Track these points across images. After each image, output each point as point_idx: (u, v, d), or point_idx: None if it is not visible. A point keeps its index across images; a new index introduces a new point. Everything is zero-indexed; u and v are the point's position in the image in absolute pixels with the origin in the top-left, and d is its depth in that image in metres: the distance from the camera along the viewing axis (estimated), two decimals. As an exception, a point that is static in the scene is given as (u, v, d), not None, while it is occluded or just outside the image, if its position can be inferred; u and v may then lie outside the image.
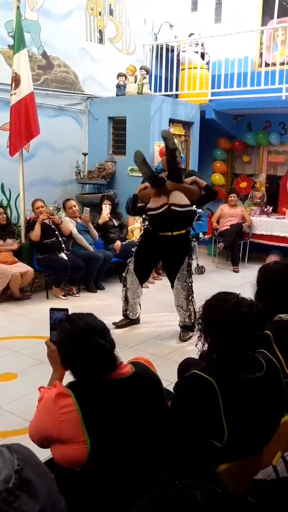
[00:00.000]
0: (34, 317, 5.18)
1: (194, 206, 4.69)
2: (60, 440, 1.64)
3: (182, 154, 4.90)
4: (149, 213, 4.58)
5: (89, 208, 6.59)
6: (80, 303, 5.64)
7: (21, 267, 5.75)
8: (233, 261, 7.81)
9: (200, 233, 7.38)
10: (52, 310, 2.07)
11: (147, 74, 7.56)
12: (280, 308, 2.41)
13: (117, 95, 7.67)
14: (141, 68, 7.62)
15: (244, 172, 9.01)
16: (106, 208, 6.73)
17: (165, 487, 0.79)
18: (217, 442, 1.72)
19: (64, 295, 6.00)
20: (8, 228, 6.03)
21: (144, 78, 7.48)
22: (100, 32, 7.95)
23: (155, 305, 5.62)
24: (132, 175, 7.33)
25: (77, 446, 1.61)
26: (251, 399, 1.78)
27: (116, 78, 7.66)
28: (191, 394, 1.80)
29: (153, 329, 5.02)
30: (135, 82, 7.56)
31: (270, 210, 8.30)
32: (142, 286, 4.95)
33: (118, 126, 7.61)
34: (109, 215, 6.74)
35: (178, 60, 8.51)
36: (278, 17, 7.88)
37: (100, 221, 6.72)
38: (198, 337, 1.91)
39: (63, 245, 6.04)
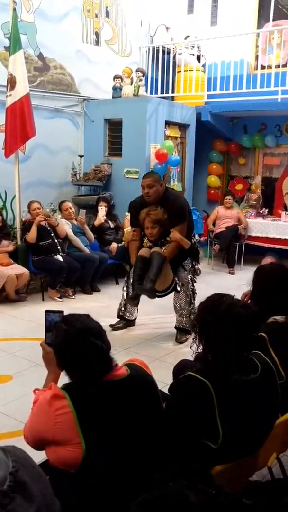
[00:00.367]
0: (29, 319, 5.17)
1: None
2: (55, 442, 1.64)
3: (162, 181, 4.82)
4: (160, 293, 4.68)
5: (85, 210, 6.58)
6: (75, 305, 5.63)
7: (17, 269, 5.74)
8: (229, 263, 7.82)
9: (196, 235, 7.38)
10: (47, 312, 2.07)
11: (143, 76, 7.57)
12: (276, 309, 2.42)
13: (113, 97, 7.68)
14: (137, 70, 7.63)
15: (240, 174, 9.04)
16: (102, 210, 6.73)
17: (159, 488, 0.79)
18: (212, 444, 1.72)
19: (59, 297, 5.99)
20: (4, 230, 6.03)
21: (140, 80, 7.49)
22: (97, 34, 7.96)
23: (151, 307, 5.61)
24: (128, 177, 7.34)
25: (72, 448, 1.61)
26: (246, 400, 1.79)
27: (112, 80, 7.66)
28: (186, 396, 1.80)
29: (149, 331, 5.02)
30: (131, 84, 7.57)
31: (266, 212, 8.32)
32: None
33: (114, 128, 7.62)
34: (105, 217, 6.74)
35: (174, 62, 8.52)
36: (273, 20, 7.90)
37: (96, 223, 6.72)
38: (193, 338, 1.91)
39: (58, 247, 6.03)
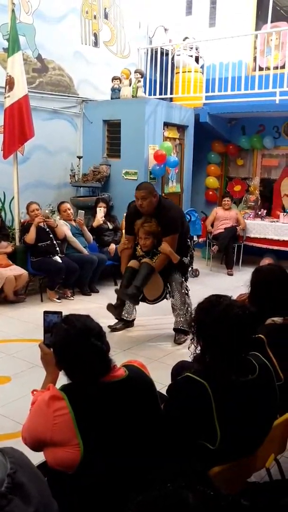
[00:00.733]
0: (28, 320, 5.17)
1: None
2: (53, 443, 1.64)
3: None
4: (151, 302, 4.85)
5: (83, 211, 6.58)
6: (74, 306, 5.63)
7: (16, 270, 5.73)
8: (227, 264, 7.83)
9: (194, 236, 7.39)
10: (46, 313, 2.07)
11: (141, 77, 7.58)
12: (274, 310, 2.42)
13: (111, 98, 7.68)
14: (135, 72, 7.64)
15: (238, 176, 9.05)
16: (100, 211, 6.73)
17: (157, 489, 0.79)
18: (210, 445, 1.72)
19: (58, 298, 5.99)
20: (3, 231, 6.03)
21: (139, 81, 7.50)
22: (95, 35, 7.97)
23: (150, 308, 5.60)
24: (126, 178, 7.34)
25: (70, 449, 1.61)
26: (244, 401, 1.79)
27: (110, 82, 7.67)
28: (184, 397, 1.80)
29: (148, 332, 5.02)
30: (130, 85, 7.57)
31: (264, 214, 8.33)
32: None
33: (113, 129, 7.62)
34: (103, 218, 6.74)
35: (172, 63, 8.53)
36: (272, 22, 7.92)
37: (95, 224, 6.72)
38: (191, 339, 1.91)
39: (57, 248, 6.03)
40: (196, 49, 8.44)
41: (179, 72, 8.37)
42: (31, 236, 5.87)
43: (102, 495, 1.63)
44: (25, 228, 6.05)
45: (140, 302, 4.81)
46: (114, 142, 7.63)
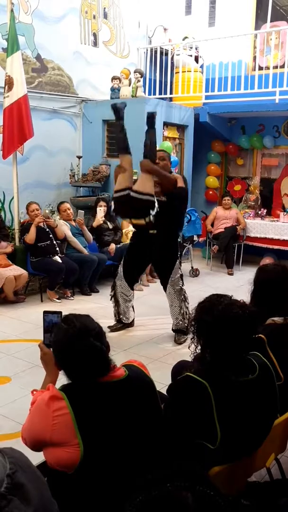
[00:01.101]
0: (28, 320, 5.17)
1: (164, 198, 4.48)
2: (53, 443, 1.64)
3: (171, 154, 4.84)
4: (114, 195, 4.49)
5: (83, 211, 6.58)
6: (74, 306, 5.63)
7: (15, 270, 5.73)
8: (227, 263, 7.82)
9: (194, 236, 7.39)
10: (45, 313, 2.07)
11: (141, 77, 7.58)
12: (276, 310, 2.42)
13: (111, 98, 7.68)
14: (135, 72, 7.64)
15: (238, 175, 9.05)
16: (100, 211, 6.72)
17: (157, 489, 0.78)
18: (210, 445, 1.72)
19: (58, 298, 5.99)
20: (2, 231, 6.03)
21: (138, 81, 7.49)
22: (94, 35, 7.96)
23: (150, 308, 5.62)
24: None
25: (70, 449, 1.60)
26: (244, 401, 1.78)
27: (110, 81, 7.67)
28: (184, 397, 1.80)
29: (148, 332, 5.02)
30: (129, 85, 7.57)
31: (264, 213, 8.33)
32: (132, 289, 4.94)
33: (113, 129, 7.62)
34: (103, 218, 6.74)
35: (172, 63, 8.53)
36: (271, 21, 7.92)
37: (95, 224, 6.72)
38: (191, 339, 1.91)
39: (57, 248, 6.03)
40: (196, 49, 8.44)
41: (178, 72, 8.37)
42: (31, 236, 5.86)
43: (102, 495, 1.62)
44: (24, 228, 6.05)
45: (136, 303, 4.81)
46: (113, 142, 7.62)
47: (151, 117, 4.54)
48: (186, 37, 8.59)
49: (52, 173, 7.36)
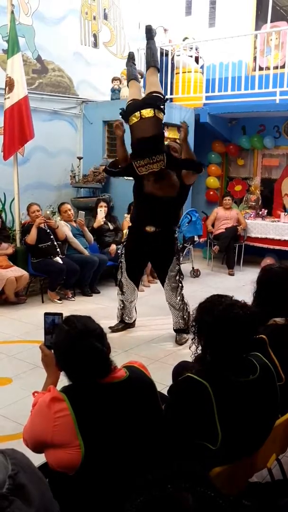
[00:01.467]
0: (29, 321, 5.17)
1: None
2: (54, 444, 1.64)
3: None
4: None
5: (84, 212, 6.58)
6: (75, 307, 5.63)
7: (16, 271, 5.74)
8: (228, 264, 7.82)
9: (195, 236, 7.39)
10: (46, 314, 2.07)
11: (141, 78, 7.58)
12: (278, 310, 2.42)
13: (111, 99, 7.69)
14: (135, 72, 7.64)
15: (239, 176, 9.05)
16: (101, 212, 6.73)
17: (157, 490, 0.78)
18: (211, 445, 1.72)
19: (59, 299, 5.99)
20: (3, 232, 6.03)
21: (139, 82, 7.49)
22: (95, 36, 7.97)
23: (151, 309, 5.62)
24: (127, 179, 7.32)
25: (71, 450, 1.61)
26: (245, 401, 1.78)
27: (110, 82, 7.68)
28: (185, 397, 1.80)
29: (149, 333, 5.02)
30: (130, 86, 7.57)
31: (265, 213, 8.33)
32: (138, 289, 4.95)
33: (113, 130, 7.61)
34: (104, 219, 6.74)
35: (172, 64, 8.53)
36: (271, 21, 7.92)
37: (95, 224, 6.72)
38: (192, 339, 1.91)
39: (58, 249, 6.03)
40: (196, 49, 8.45)
41: (179, 73, 8.38)
42: (32, 237, 5.87)
43: (103, 496, 1.62)
44: (25, 229, 6.06)
45: (137, 303, 4.81)
46: (114, 143, 7.61)
47: (149, 30, 4.90)
48: (186, 38, 8.60)
49: (52, 174, 7.36)
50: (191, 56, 8.29)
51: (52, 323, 2.02)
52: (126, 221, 6.94)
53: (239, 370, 1.81)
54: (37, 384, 2.12)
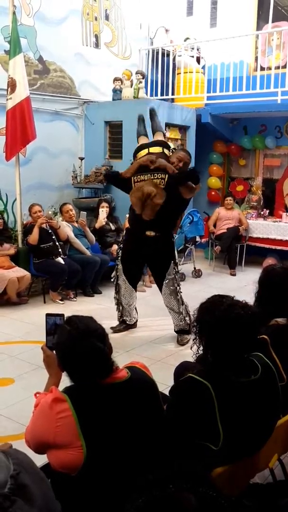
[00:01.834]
0: (30, 321, 5.17)
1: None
2: (56, 445, 1.64)
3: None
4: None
5: (85, 212, 6.59)
6: (77, 308, 5.63)
7: (18, 272, 5.74)
8: (230, 264, 7.82)
9: (197, 236, 7.39)
10: (48, 315, 2.07)
11: (143, 78, 7.59)
12: (280, 311, 2.42)
13: (113, 99, 7.69)
14: (137, 73, 7.65)
15: (241, 176, 9.04)
16: (103, 212, 6.73)
17: (159, 490, 0.79)
18: (212, 446, 1.72)
19: (61, 300, 6.00)
20: (5, 233, 6.03)
21: (140, 82, 7.50)
22: (96, 37, 7.98)
23: (152, 309, 5.62)
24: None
25: (73, 451, 1.61)
26: (247, 402, 1.78)
27: (112, 83, 7.68)
28: (187, 398, 1.80)
29: (150, 333, 5.02)
30: (131, 86, 7.58)
31: (267, 213, 8.33)
32: (136, 290, 4.94)
33: (115, 130, 7.63)
34: (106, 219, 6.75)
35: (174, 64, 8.54)
36: (273, 21, 7.90)
37: (97, 225, 6.72)
38: (194, 340, 1.91)
39: (59, 250, 6.04)
40: (198, 50, 8.45)
41: (180, 73, 8.38)
42: (34, 237, 5.88)
43: (105, 497, 1.63)
44: (27, 230, 6.06)
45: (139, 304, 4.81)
46: (115, 143, 7.64)
47: (151, 113, 5.15)
48: (187, 38, 8.60)
49: (54, 174, 7.37)
50: (193, 57, 8.29)
51: (54, 324, 2.02)
52: (127, 222, 6.95)
53: (241, 370, 1.81)
54: (39, 384, 2.12)
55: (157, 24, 8.91)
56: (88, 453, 1.60)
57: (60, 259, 5.96)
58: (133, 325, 5.07)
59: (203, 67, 8.50)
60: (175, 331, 4.81)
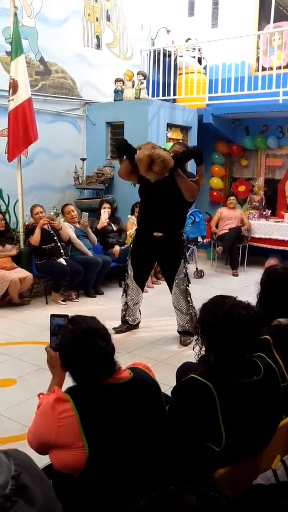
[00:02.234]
0: (32, 322, 5.18)
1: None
2: (58, 445, 1.64)
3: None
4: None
5: (87, 213, 6.59)
6: (79, 308, 5.63)
7: (20, 273, 5.75)
8: (232, 265, 7.81)
9: (198, 237, 7.39)
10: (52, 316, 2.08)
11: (144, 79, 7.59)
12: (282, 311, 2.41)
13: (114, 100, 7.70)
14: (138, 73, 7.65)
15: (243, 176, 9.04)
16: (105, 213, 6.73)
17: (160, 491, 0.78)
18: (215, 446, 1.72)
19: (63, 300, 6.00)
20: (7, 234, 6.04)
21: (142, 83, 7.51)
22: (98, 37, 7.98)
23: (154, 310, 5.61)
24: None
25: (76, 451, 1.61)
26: (249, 402, 1.78)
27: (113, 83, 7.69)
28: (189, 398, 1.80)
29: (152, 334, 5.01)
30: (133, 87, 7.59)
31: (269, 214, 8.32)
32: (143, 290, 4.95)
33: (116, 131, 7.63)
34: (107, 220, 6.75)
35: (175, 65, 8.53)
36: (274, 22, 7.90)
37: (99, 226, 6.73)
38: (196, 340, 1.91)
39: (61, 251, 6.04)
40: (199, 50, 8.45)
41: (182, 73, 8.38)
42: (36, 238, 5.88)
43: (107, 498, 1.62)
44: (29, 231, 6.07)
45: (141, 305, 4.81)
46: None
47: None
48: (189, 39, 8.60)
49: (56, 175, 7.38)
50: (194, 57, 8.29)
51: (58, 325, 2.02)
52: (129, 222, 6.95)
53: (243, 371, 1.80)
54: (41, 385, 2.12)
55: (158, 25, 8.91)
56: (90, 453, 1.60)
57: (62, 260, 5.96)
58: (135, 326, 5.07)
59: (205, 68, 8.50)
60: (178, 331, 4.80)
